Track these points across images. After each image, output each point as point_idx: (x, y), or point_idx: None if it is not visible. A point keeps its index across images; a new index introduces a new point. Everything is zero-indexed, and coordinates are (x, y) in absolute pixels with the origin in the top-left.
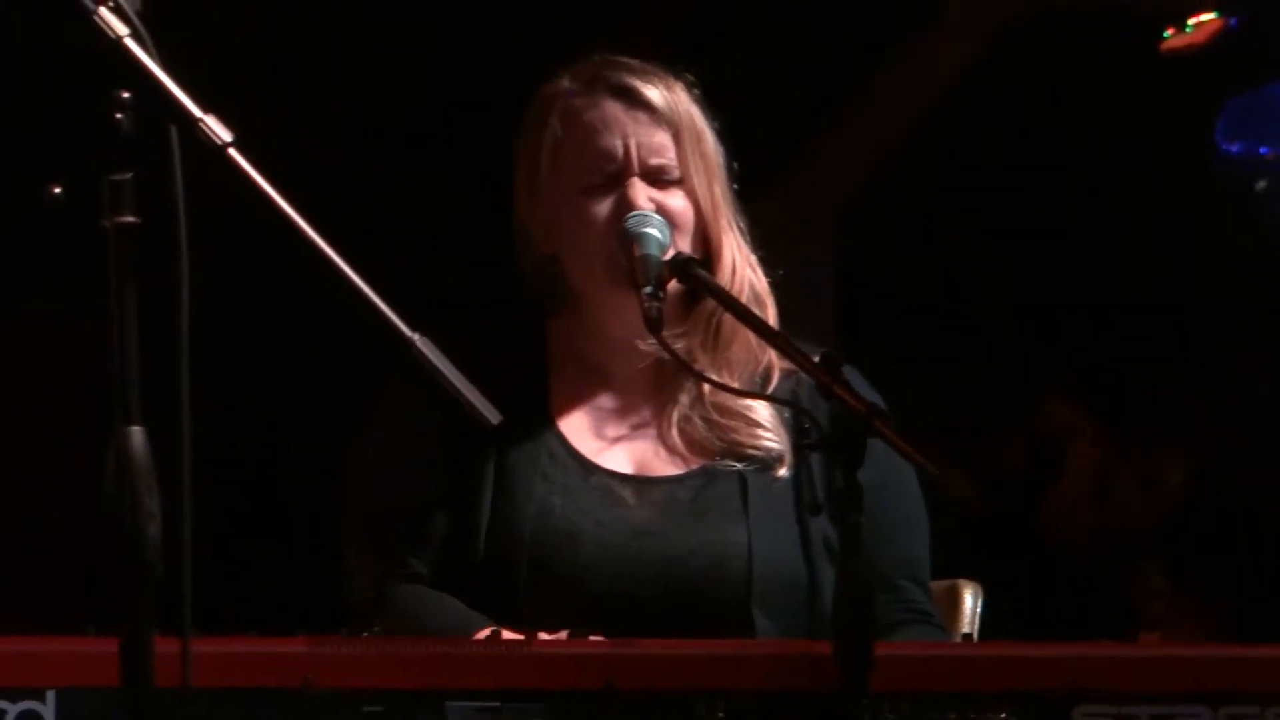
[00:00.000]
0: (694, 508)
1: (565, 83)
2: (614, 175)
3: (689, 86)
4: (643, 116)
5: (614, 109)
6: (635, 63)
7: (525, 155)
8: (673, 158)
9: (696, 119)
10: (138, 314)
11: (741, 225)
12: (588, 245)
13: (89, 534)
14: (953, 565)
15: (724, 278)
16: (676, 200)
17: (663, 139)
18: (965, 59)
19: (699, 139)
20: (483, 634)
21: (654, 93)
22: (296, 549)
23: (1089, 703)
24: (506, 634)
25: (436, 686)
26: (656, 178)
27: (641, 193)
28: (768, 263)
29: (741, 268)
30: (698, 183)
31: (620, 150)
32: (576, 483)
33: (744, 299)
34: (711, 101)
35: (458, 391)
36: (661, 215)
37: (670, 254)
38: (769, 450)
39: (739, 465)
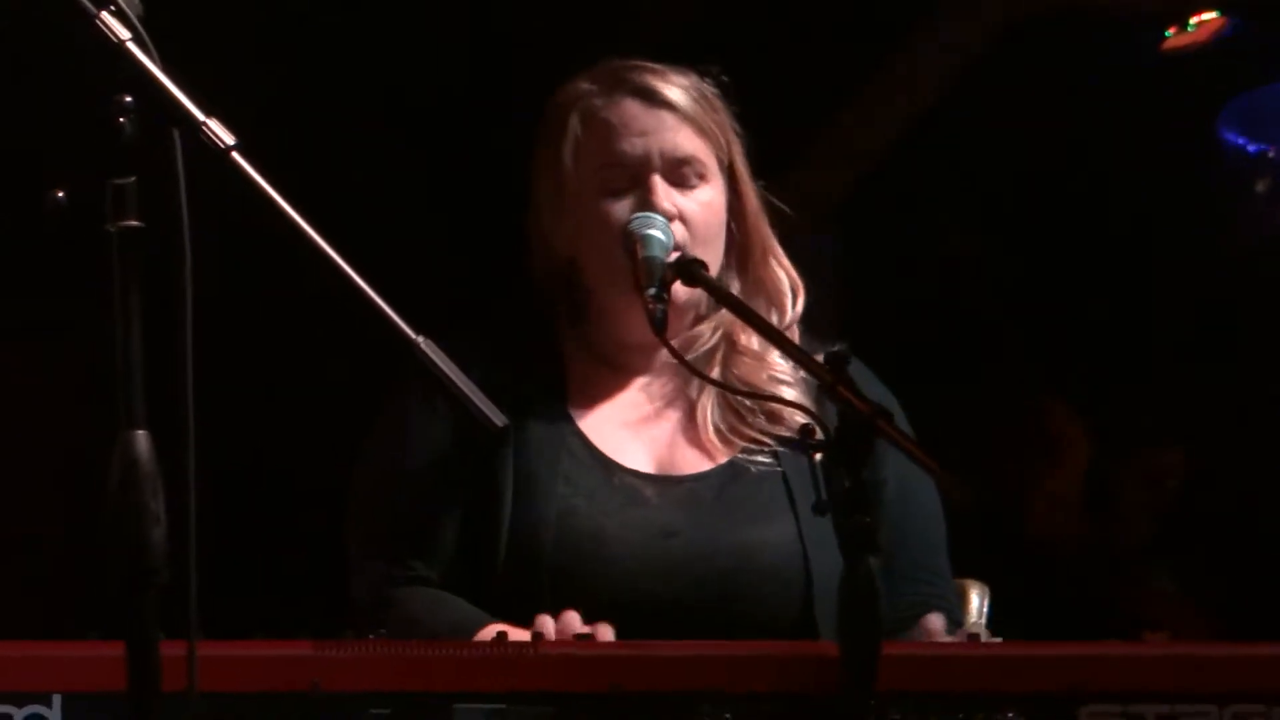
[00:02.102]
0: (721, 504)
1: (584, 84)
2: (636, 175)
3: (716, 83)
4: (665, 116)
5: (635, 108)
6: (657, 65)
7: (546, 160)
8: (696, 157)
9: (721, 116)
10: (141, 317)
11: (768, 217)
12: (608, 246)
13: (94, 538)
14: (958, 565)
15: (754, 272)
16: (699, 202)
17: (685, 138)
18: (966, 59)
19: (724, 136)
20: (490, 629)
21: (676, 92)
22: (303, 552)
23: (1095, 702)
24: (513, 635)
25: (444, 689)
26: (680, 179)
27: (662, 191)
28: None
29: (773, 265)
30: (723, 181)
31: (641, 149)
32: (599, 483)
33: (778, 293)
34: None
35: (462, 394)
36: (682, 220)
37: (674, 255)
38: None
39: (768, 462)
